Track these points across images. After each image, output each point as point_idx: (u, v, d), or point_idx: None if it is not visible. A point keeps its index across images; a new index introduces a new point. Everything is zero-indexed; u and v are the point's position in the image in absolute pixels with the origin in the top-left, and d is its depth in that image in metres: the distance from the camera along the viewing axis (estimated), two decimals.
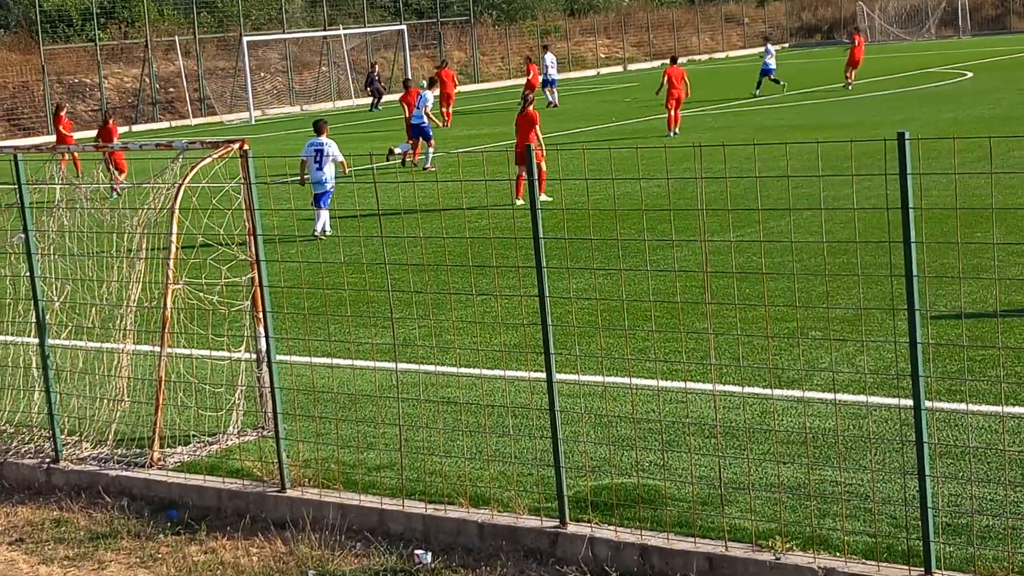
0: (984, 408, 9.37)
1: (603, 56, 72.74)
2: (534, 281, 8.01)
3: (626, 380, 10.39)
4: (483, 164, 25.28)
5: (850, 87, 41.81)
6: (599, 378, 10.52)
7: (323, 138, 19.89)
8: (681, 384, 10.31)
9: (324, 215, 19.66)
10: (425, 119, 27.39)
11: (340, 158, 19.92)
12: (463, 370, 11.24)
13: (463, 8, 67.90)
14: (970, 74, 44.33)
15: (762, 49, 45.46)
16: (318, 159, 19.74)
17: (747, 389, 10.14)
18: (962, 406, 9.37)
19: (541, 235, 7.90)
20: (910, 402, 7.02)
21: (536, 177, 8.04)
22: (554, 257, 14.78)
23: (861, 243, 14.18)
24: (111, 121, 29.97)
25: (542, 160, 20.44)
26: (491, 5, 73.12)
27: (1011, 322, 11.59)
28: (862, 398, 9.70)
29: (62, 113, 32.24)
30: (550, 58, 46.50)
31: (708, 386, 10.18)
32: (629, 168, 22.63)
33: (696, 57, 77.35)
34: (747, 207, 17.34)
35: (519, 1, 73.93)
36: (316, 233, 19.48)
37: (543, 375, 8.08)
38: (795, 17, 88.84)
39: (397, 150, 27.75)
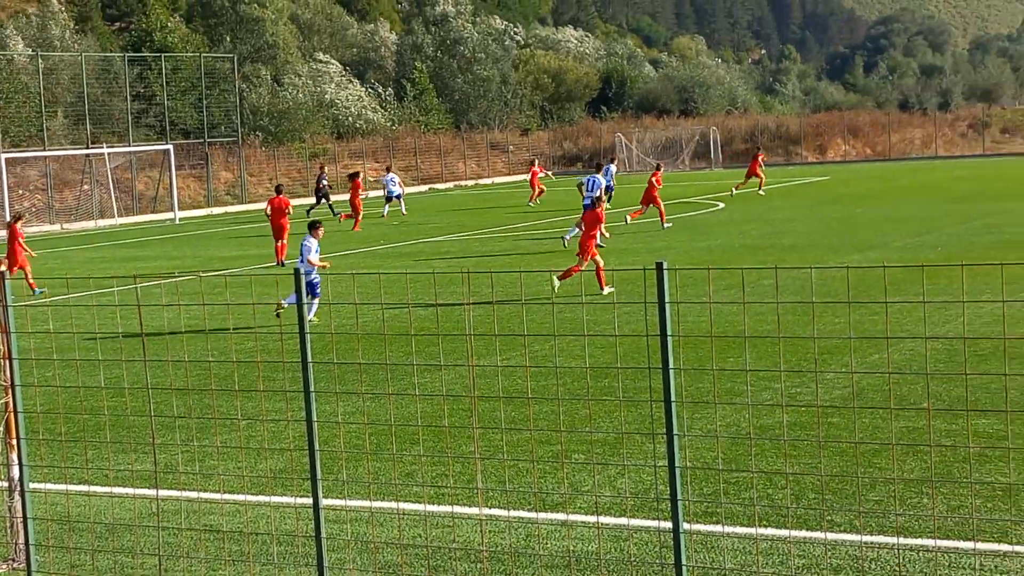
0: (739, 530, 9.68)
1: (371, 179, 73.37)
2: (301, 404, 7.98)
3: (393, 505, 10.38)
4: (251, 285, 25.05)
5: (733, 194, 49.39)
6: (366, 503, 10.47)
7: (307, 237, 21.85)
8: (448, 508, 10.35)
9: (315, 303, 21.42)
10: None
11: (312, 257, 21.53)
12: (227, 496, 11.03)
13: (230, 129, 67.61)
14: (722, 204, 46.34)
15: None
16: (301, 255, 21.81)
17: (513, 513, 10.25)
18: (718, 528, 9.67)
19: (310, 359, 7.90)
20: (669, 524, 7.23)
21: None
22: (322, 380, 14.72)
23: (622, 368, 14.57)
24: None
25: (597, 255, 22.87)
26: (258, 127, 73.10)
27: (763, 445, 12.05)
28: (623, 520, 9.91)
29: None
30: (391, 176, 50.35)
31: (475, 510, 10.25)
32: (398, 291, 22.79)
33: (463, 183, 78.77)
34: (513, 331, 17.65)
35: (287, 123, 74.17)
36: (310, 318, 21.01)
37: (310, 501, 8.02)
38: (557, 146, 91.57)
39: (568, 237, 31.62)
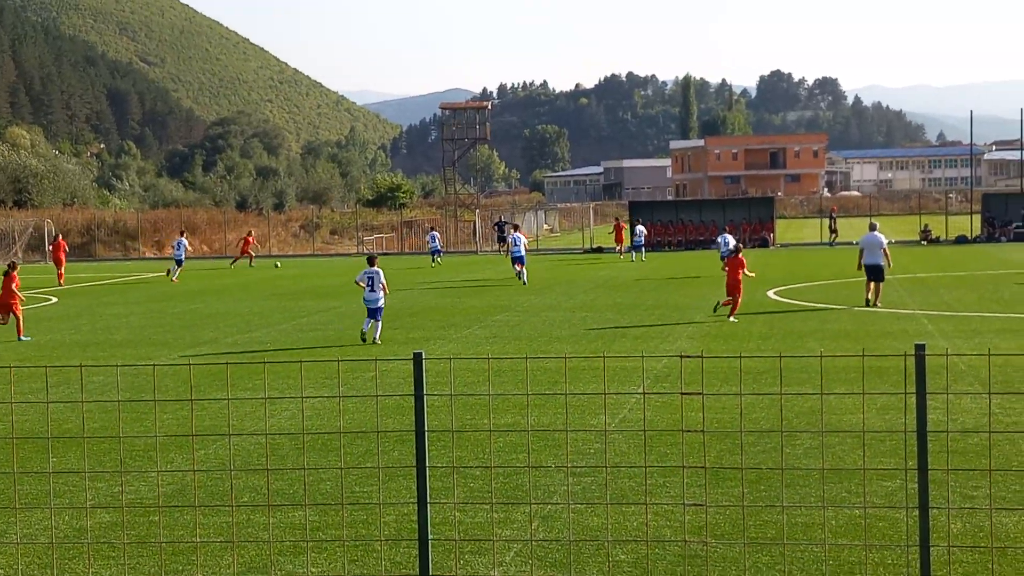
0: None
1: None
2: None
3: None
4: None
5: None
6: None
7: (375, 267, 27.05)
8: None
9: (379, 325, 26.99)
10: None
11: (384, 283, 26.94)
12: None
13: None
14: (55, 299, 44.95)
15: None
16: (371, 283, 26.75)
17: None
18: None
19: None
20: None
21: None
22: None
23: None
24: None
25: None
26: None
27: (83, 548, 11.76)
28: None
29: None
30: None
31: None
32: None
33: None
34: None
35: None
36: (376, 339, 26.70)
37: None
38: None
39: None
